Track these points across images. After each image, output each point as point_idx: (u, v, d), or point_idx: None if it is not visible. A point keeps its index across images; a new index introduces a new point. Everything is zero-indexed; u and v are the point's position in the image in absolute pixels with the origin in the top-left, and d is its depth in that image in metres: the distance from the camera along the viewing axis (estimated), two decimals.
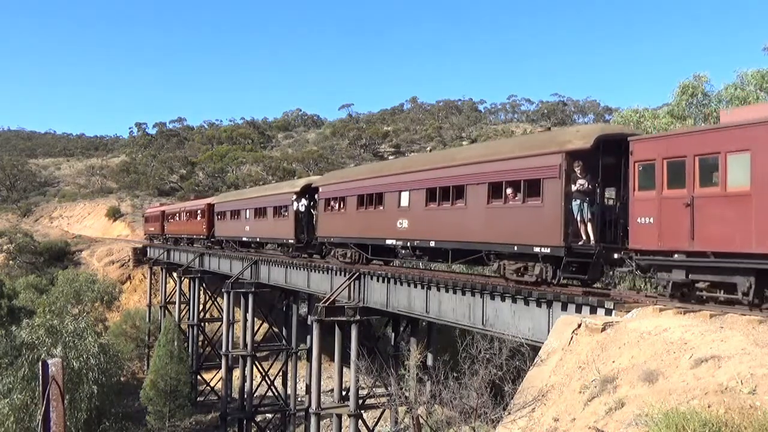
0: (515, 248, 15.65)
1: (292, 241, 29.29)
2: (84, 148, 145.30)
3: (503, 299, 15.64)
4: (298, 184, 30.27)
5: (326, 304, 22.36)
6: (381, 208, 22.06)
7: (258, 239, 34.99)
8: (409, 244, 20.35)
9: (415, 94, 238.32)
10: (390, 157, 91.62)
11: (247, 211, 35.96)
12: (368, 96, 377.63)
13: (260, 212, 33.83)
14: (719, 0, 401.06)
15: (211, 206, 43.79)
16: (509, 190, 16.01)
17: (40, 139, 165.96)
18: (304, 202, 28.70)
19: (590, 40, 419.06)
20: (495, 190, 16.52)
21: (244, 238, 36.89)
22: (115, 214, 79.15)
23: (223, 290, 35.31)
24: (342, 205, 25.02)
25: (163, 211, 57.71)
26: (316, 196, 27.99)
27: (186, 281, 44.62)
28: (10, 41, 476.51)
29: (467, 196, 17.38)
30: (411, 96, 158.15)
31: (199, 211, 45.71)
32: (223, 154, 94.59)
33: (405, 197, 20.60)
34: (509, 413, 10.07)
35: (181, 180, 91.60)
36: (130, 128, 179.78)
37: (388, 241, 21.57)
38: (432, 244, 19.00)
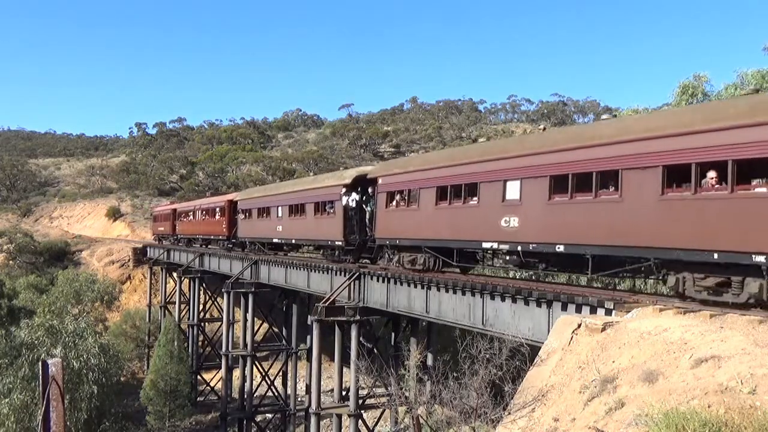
0: (714, 256, 11.33)
1: (339, 243, 24.69)
2: (84, 148, 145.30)
3: (503, 299, 15.64)
4: (348, 175, 25.20)
5: (326, 304, 22.36)
6: (474, 202, 17.50)
7: (293, 241, 30.30)
8: (519, 248, 15.80)
9: (415, 94, 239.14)
10: (390, 158, 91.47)
11: (280, 208, 31.24)
12: (368, 96, 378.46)
13: (297, 209, 29.20)
14: (719, 0, 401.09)
15: (232, 203, 39.06)
16: (711, 174, 11.60)
17: (40, 139, 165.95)
18: (354, 196, 24.18)
19: (590, 40, 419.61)
20: (675, 176, 12.20)
21: (276, 240, 32.18)
22: (115, 214, 79.14)
23: (223, 290, 35.29)
24: (412, 200, 20.29)
25: (174, 210, 54.08)
26: (370, 190, 23.61)
27: (186, 281, 44.60)
28: (10, 41, 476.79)
29: (624, 184, 12.95)
30: (411, 96, 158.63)
31: (218, 209, 41.11)
32: (223, 154, 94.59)
33: (513, 188, 16.01)
34: (509, 413, 10.07)
35: (181, 180, 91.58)
36: (130, 128, 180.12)
37: (486, 244, 16.96)
38: (560, 248, 14.55)
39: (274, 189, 35.52)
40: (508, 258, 17.20)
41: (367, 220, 23.80)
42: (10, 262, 59.11)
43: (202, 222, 44.95)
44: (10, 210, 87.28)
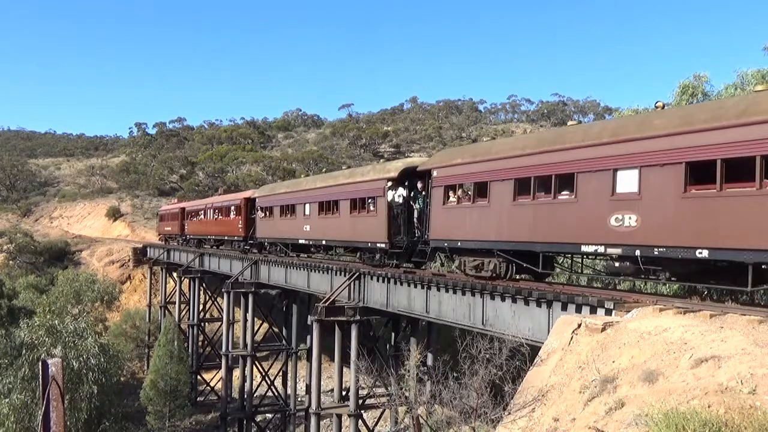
0: None
1: (383, 245, 21.70)
2: (84, 148, 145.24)
3: (503, 299, 15.64)
4: (394, 167, 22.26)
5: (326, 304, 22.37)
6: (568, 196, 14.58)
7: (324, 242, 27.00)
8: (638, 252, 12.88)
9: (415, 94, 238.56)
10: (391, 158, 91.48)
11: (307, 205, 28.12)
12: (368, 96, 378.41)
13: (329, 207, 26.18)
14: (719, 0, 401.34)
15: (249, 201, 36.05)
16: None
17: (40, 139, 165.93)
18: (402, 191, 21.09)
19: (590, 40, 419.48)
20: None
21: (302, 241, 28.99)
22: (115, 214, 79.16)
23: (223, 290, 35.29)
24: (480, 195, 17.36)
25: (183, 209, 51.40)
26: (419, 184, 20.68)
27: (186, 281, 44.61)
28: (11, 41, 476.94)
29: None
30: (411, 96, 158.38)
31: (233, 208, 38.04)
32: (223, 154, 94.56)
33: (629, 179, 13.09)
34: (509, 413, 10.07)
35: (181, 180, 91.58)
36: (130, 128, 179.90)
37: (588, 248, 14.05)
38: (702, 254, 11.63)
39: (300, 184, 31.56)
40: (617, 264, 14.27)
41: (415, 219, 20.79)
42: (10, 262, 59.11)
43: (215, 222, 41.77)
44: (10, 210, 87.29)
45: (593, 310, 13.05)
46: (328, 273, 24.95)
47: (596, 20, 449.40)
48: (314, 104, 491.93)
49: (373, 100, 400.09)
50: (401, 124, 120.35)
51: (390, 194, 21.39)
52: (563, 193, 14.79)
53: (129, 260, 58.16)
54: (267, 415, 37.29)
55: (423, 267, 21.48)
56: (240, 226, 36.50)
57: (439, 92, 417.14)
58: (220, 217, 40.57)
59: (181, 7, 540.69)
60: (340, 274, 23.62)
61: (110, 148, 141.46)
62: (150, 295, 53.36)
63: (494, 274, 16.94)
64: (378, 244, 22.11)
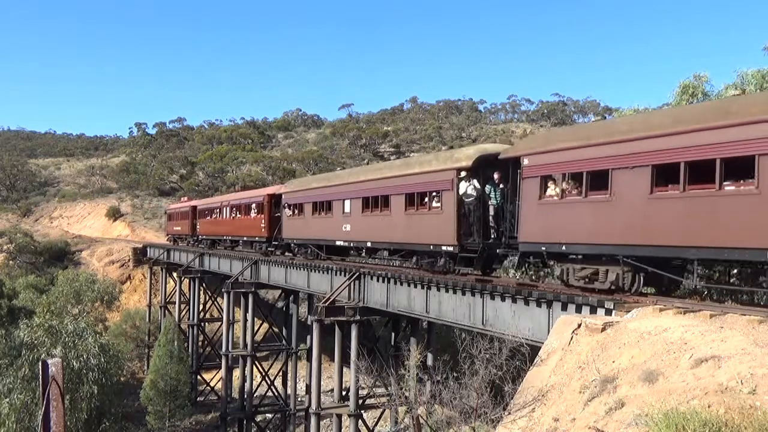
0: None
1: (449, 248, 18.27)
2: (84, 148, 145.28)
3: (503, 299, 15.64)
4: (466, 155, 18.50)
5: (326, 304, 22.37)
6: (751, 187, 10.94)
7: (368, 244, 23.35)
8: None
9: (415, 94, 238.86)
10: (390, 158, 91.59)
11: (348, 201, 24.47)
12: (368, 96, 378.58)
13: (376, 203, 22.45)
14: (719, 0, 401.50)
15: (273, 197, 32.55)
16: None
17: (40, 139, 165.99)
18: (475, 184, 17.80)
19: (590, 40, 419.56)
20: None
21: (340, 242, 25.32)
22: (115, 214, 79.17)
23: (223, 290, 35.28)
24: (595, 187, 13.82)
25: (194, 207, 48.39)
26: (495, 175, 17.62)
27: (186, 281, 44.60)
28: (11, 41, 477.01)
29: None
30: (411, 96, 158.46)
31: (254, 206, 34.79)
32: (223, 154, 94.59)
33: None
34: (509, 413, 10.08)
35: (181, 180, 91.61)
36: (130, 128, 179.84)
37: None
38: None
39: (338, 177, 27.53)
40: None
41: (490, 217, 17.62)
42: (10, 262, 59.11)
43: (233, 221, 38.35)
44: (10, 210, 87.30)
45: (593, 310, 13.06)
46: (328, 273, 24.95)
47: (596, 20, 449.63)
48: (314, 104, 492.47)
49: (373, 100, 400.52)
50: (401, 124, 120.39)
51: (463, 187, 17.88)
52: (738, 181, 11.32)
53: (129, 260, 58.15)
54: (267, 415, 37.29)
55: (493, 273, 18.49)
56: (262, 225, 33.04)
57: (439, 92, 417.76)
58: (238, 215, 37.40)
59: (181, 7, 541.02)
60: (340, 274, 23.62)
61: (110, 148, 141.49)
62: (150, 295, 53.35)
63: (616, 286, 13.70)
64: (443, 247, 18.51)
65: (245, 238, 36.51)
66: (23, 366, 24.87)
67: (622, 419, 7.72)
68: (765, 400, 6.93)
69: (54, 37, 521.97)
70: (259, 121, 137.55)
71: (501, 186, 17.59)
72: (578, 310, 13.43)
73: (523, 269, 17.89)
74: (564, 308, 13.75)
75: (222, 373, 36.63)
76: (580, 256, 14.54)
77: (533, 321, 14.74)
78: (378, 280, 21.51)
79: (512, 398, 10.40)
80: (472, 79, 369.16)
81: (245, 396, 32.92)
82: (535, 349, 11.94)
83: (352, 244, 24.81)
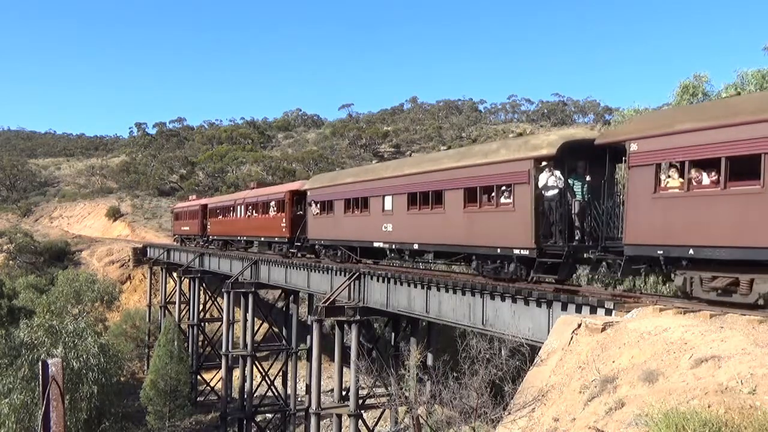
0: None
1: (524, 251, 15.67)
2: (84, 148, 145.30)
3: (503, 299, 15.64)
4: (546, 141, 15.74)
5: (326, 304, 22.37)
6: None
7: (416, 246, 20.26)
8: None
9: (415, 94, 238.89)
10: (391, 158, 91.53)
11: (389, 198, 21.65)
12: (368, 96, 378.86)
13: (425, 199, 19.54)
14: (719, 0, 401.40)
15: (295, 194, 29.87)
16: None
17: (40, 139, 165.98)
18: (558, 175, 15.20)
19: (590, 40, 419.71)
20: None
21: (380, 244, 22.54)
22: (115, 214, 79.15)
23: (223, 290, 35.26)
24: (746, 176, 11.22)
25: (204, 206, 45.89)
26: (579, 165, 15.44)
27: (186, 281, 44.59)
28: (11, 41, 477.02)
29: None
30: (411, 96, 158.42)
31: (273, 203, 31.94)
32: (223, 154, 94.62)
33: None
34: (509, 413, 10.07)
35: (181, 180, 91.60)
36: (130, 128, 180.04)
37: None
38: None
39: (377, 171, 23.99)
40: None
41: (574, 216, 15.19)
42: (10, 262, 59.09)
43: (248, 220, 35.81)
44: (10, 210, 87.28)
45: (593, 310, 13.06)
46: (328, 273, 24.94)
47: (596, 20, 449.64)
48: (314, 104, 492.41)
49: (373, 100, 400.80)
50: (401, 124, 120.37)
51: (543, 179, 15.26)
52: None
53: (129, 260, 58.13)
54: (267, 415, 37.29)
55: (564, 280, 16.20)
56: (283, 225, 30.19)
57: (439, 92, 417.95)
58: (255, 214, 34.80)
59: (181, 7, 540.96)
60: (340, 274, 23.61)
61: (110, 148, 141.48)
62: (150, 295, 53.35)
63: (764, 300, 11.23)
64: (516, 251, 15.94)
65: (263, 239, 34.04)
66: (23, 366, 24.87)
67: (622, 419, 7.72)
68: (765, 400, 6.93)
69: (54, 37, 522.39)
70: (259, 121, 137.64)
71: (588, 178, 15.26)
72: (578, 310, 13.44)
73: (612, 277, 14.29)
74: (564, 308, 13.76)
75: (222, 373, 36.62)
76: (715, 262, 11.68)
77: (533, 321, 14.74)
78: (378, 280, 21.50)
79: (512, 398, 10.40)
80: (472, 79, 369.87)
81: (245, 396, 32.92)
82: (535, 349, 11.94)
83: (394, 246, 21.67)
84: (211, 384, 42.84)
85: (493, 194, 16.76)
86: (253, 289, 32.51)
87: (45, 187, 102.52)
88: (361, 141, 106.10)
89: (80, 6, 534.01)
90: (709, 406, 6.96)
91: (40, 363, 8.13)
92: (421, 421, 16.29)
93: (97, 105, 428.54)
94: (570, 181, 15.31)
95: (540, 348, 11.84)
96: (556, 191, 15.12)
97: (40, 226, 78.33)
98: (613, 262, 14.03)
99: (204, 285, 43.51)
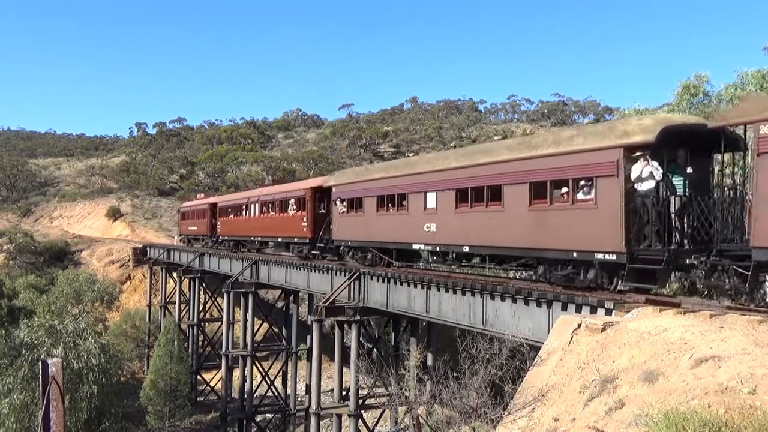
0: None
1: (610, 256, 13.45)
2: (84, 148, 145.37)
3: (503, 299, 15.64)
4: (639, 126, 13.43)
5: (326, 304, 22.37)
6: None
7: (465, 248, 17.93)
8: None
9: (415, 94, 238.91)
10: (391, 158, 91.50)
11: (431, 195, 19.33)
12: (368, 96, 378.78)
13: (477, 195, 17.37)
14: (719, 0, 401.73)
15: (318, 191, 27.70)
16: None
17: (40, 139, 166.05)
18: (656, 167, 12.99)
19: (590, 40, 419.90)
20: None
21: (420, 246, 20.04)
22: (115, 214, 79.20)
23: (223, 290, 35.27)
24: None
25: (214, 204, 44.14)
26: (679, 155, 13.61)
27: (186, 281, 44.61)
28: (11, 41, 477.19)
29: None
30: (411, 96, 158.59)
31: (293, 201, 29.77)
32: (223, 154, 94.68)
33: None
34: (509, 413, 10.07)
35: (181, 180, 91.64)
36: (130, 128, 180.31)
37: None
38: None
39: (417, 164, 21.72)
40: None
41: (673, 215, 13.04)
42: (10, 262, 59.13)
43: (264, 219, 33.88)
44: (10, 210, 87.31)
45: (593, 310, 13.05)
46: (328, 273, 24.94)
47: (596, 20, 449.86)
48: (314, 104, 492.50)
49: (373, 100, 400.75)
50: (401, 124, 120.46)
51: (635, 171, 13.09)
52: None
53: (129, 260, 58.16)
54: (267, 415, 37.31)
55: (665, 291, 14.25)
56: (304, 224, 28.02)
57: (439, 92, 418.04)
58: (271, 213, 32.75)
59: (181, 7, 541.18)
60: (340, 274, 23.61)
61: (110, 148, 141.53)
62: (150, 295, 53.37)
63: None
64: (598, 255, 13.63)
65: (280, 239, 31.99)
66: (23, 366, 24.90)
67: (622, 419, 7.72)
68: (765, 400, 6.93)
69: (54, 37, 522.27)
70: (259, 121, 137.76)
71: (690, 171, 13.31)
72: (578, 310, 13.43)
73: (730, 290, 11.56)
74: (564, 308, 13.75)
75: (222, 373, 36.64)
76: None
77: (533, 321, 14.74)
78: (378, 280, 21.50)
79: (512, 398, 10.40)
80: (472, 79, 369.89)
81: (245, 396, 32.93)
82: (535, 349, 11.94)
83: (437, 248, 19.27)
84: (211, 384, 42.86)
85: (568, 189, 14.42)
86: (253, 289, 32.52)
87: (45, 187, 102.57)
88: (361, 141, 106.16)
89: (80, 6, 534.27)
90: (709, 406, 6.96)
91: (40, 363, 8.13)
92: (421, 421, 16.30)
93: (97, 105, 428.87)
94: (668, 174, 13.16)
95: (540, 348, 11.84)
96: (652, 184, 12.91)
97: (40, 226, 78.35)
98: (728, 269, 11.66)
99: (204, 285, 43.52)
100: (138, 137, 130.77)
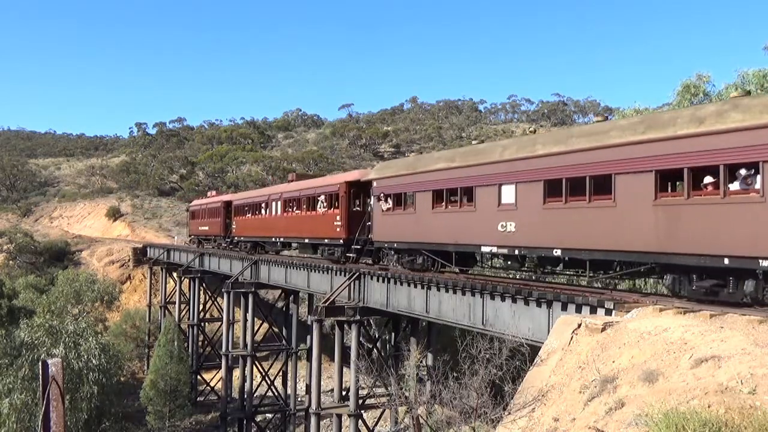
0: None
1: None
2: (84, 148, 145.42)
3: (503, 299, 15.63)
4: None
5: (326, 304, 22.37)
6: None
7: (557, 251, 14.90)
8: None
9: (415, 94, 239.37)
10: (391, 158, 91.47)
11: (507, 188, 16.48)
12: (368, 96, 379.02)
13: (574, 188, 14.53)
14: (719, 0, 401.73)
15: (354, 186, 24.91)
16: None
17: (40, 139, 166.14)
18: None
19: (590, 40, 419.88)
20: None
21: (489, 248, 17.08)
22: (115, 214, 79.19)
23: (223, 290, 35.26)
24: None
25: (228, 203, 41.32)
26: None
27: (186, 281, 44.60)
28: (11, 41, 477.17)
29: None
30: (411, 96, 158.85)
31: (323, 197, 26.88)
32: (223, 154, 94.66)
33: None
34: (509, 413, 10.07)
35: (181, 180, 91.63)
36: (130, 128, 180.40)
37: None
38: None
39: (487, 152, 18.01)
40: None
41: None
42: (10, 262, 59.11)
43: (288, 218, 30.91)
44: (10, 210, 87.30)
45: (593, 310, 13.05)
46: (328, 273, 24.93)
47: (596, 20, 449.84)
48: (314, 104, 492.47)
49: (373, 100, 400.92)
50: (401, 124, 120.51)
51: None
52: None
53: (129, 260, 58.15)
54: (267, 415, 37.30)
55: None
56: (337, 223, 25.26)
57: (439, 92, 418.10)
58: (297, 211, 29.81)
59: (181, 7, 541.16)
60: (340, 274, 23.60)
61: (110, 148, 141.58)
62: (150, 295, 53.35)
63: None
64: (766, 262, 10.85)
65: (307, 240, 28.74)
66: (23, 366, 24.88)
67: (622, 419, 7.72)
68: (765, 400, 6.93)
69: (54, 37, 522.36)
70: (259, 121, 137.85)
71: None
72: (578, 310, 13.44)
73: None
74: (564, 308, 13.75)
75: (222, 373, 36.63)
76: None
77: (533, 321, 14.73)
78: (378, 280, 21.49)
79: (512, 398, 10.40)
80: (472, 79, 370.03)
81: (245, 396, 32.93)
82: (535, 349, 11.94)
83: (517, 252, 16.19)
84: (211, 384, 42.85)
85: (716, 179, 11.64)
86: (253, 289, 32.52)
87: (45, 187, 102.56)
88: (361, 141, 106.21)
89: (80, 6, 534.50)
90: (709, 406, 6.96)
91: (40, 363, 8.12)
92: (421, 421, 16.29)
93: (97, 105, 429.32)
94: None
95: (540, 348, 11.84)
96: None
97: (40, 226, 78.33)
98: None
99: (204, 285, 43.51)
100: (138, 137, 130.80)
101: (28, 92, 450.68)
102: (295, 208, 30.19)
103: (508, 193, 16.43)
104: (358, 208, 24.81)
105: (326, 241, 26.38)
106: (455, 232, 18.50)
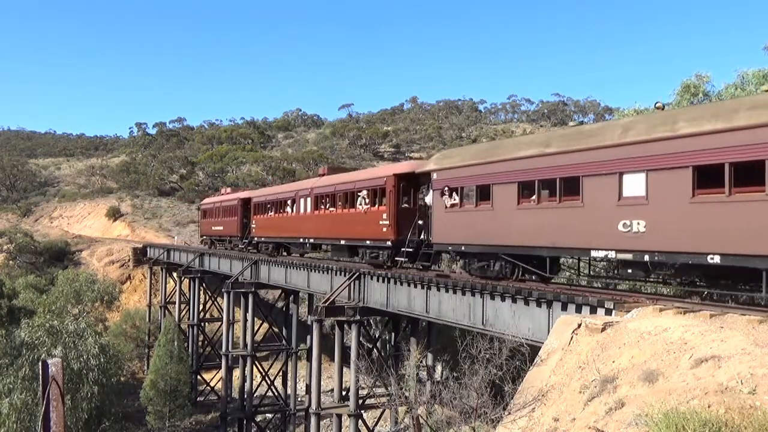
0: None
1: None
2: (84, 148, 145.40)
3: (503, 299, 15.63)
4: None
5: (326, 304, 22.36)
6: None
7: (714, 258, 11.53)
8: None
9: (415, 94, 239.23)
10: (391, 158, 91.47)
11: (634, 177, 13.08)
12: (368, 96, 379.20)
13: (739, 175, 11.25)
14: (719, 0, 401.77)
15: (404, 179, 21.76)
16: None
17: (40, 139, 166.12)
18: None
19: (590, 40, 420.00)
20: None
21: (605, 253, 13.81)
22: (115, 214, 79.15)
23: (223, 290, 35.25)
24: None
25: (246, 200, 37.73)
26: None
27: (186, 281, 44.59)
28: (11, 41, 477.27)
29: None
30: (411, 96, 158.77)
31: (365, 192, 23.63)
32: (223, 154, 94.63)
33: None
34: (509, 413, 10.07)
35: (181, 180, 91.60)
36: (130, 128, 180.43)
37: None
38: None
39: (598, 133, 14.57)
40: None
41: None
42: (10, 262, 59.09)
43: (321, 216, 27.32)
44: (10, 210, 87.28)
45: (593, 310, 13.05)
46: (328, 273, 24.92)
47: (596, 20, 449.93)
48: (314, 104, 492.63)
49: (373, 100, 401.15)
50: (401, 124, 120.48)
51: None
52: None
53: (129, 260, 58.12)
54: (267, 415, 37.30)
55: None
56: (384, 222, 21.88)
57: (439, 92, 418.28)
58: (331, 209, 26.49)
59: (181, 7, 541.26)
60: (340, 274, 23.59)
61: (110, 148, 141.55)
62: (150, 295, 53.34)
63: None
64: None
65: (343, 242, 25.27)
66: (23, 366, 24.87)
67: (622, 419, 7.72)
68: (765, 400, 6.93)
69: (54, 37, 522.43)
70: (259, 121, 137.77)
71: None
72: (578, 310, 13.43)
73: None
74: (564, 308, 13.75)
75: (222, 373, 36.63)
76: None
77: (533, 321, 14.73)
78: (378, 280, 21.48)
79: (512, 398, 10.41)
80: (472, 79, 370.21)
81: (245, 396, 32.93)
82: (535, 349, 11.94)
83: (647, 257, 12.85)
84: (211, 384, 42.85)
85: None
86: (253, 289, 32.52)
87: (45, 187, 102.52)
88: (361, 141, 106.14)
89: (80, 6, 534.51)
90: (709, 406, 6.96)
91: (40, 363, 8.13)
92: (421, 421, 16.29)
93: (97, 105, 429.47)
94: None
95: (540, 348, 11.84)
96: None
97: (40, 226, 78.32)
98: None
99: (204, 285, 43.50)
100: (138, 137, 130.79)
101: (28, 92, 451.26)
102: (328, 205, 26.73)
103: (636, 185, 13.02)
104: (407, 205, 21.65)
105: (368, 242, 23.18)
106: (551, 232, 15.12)
